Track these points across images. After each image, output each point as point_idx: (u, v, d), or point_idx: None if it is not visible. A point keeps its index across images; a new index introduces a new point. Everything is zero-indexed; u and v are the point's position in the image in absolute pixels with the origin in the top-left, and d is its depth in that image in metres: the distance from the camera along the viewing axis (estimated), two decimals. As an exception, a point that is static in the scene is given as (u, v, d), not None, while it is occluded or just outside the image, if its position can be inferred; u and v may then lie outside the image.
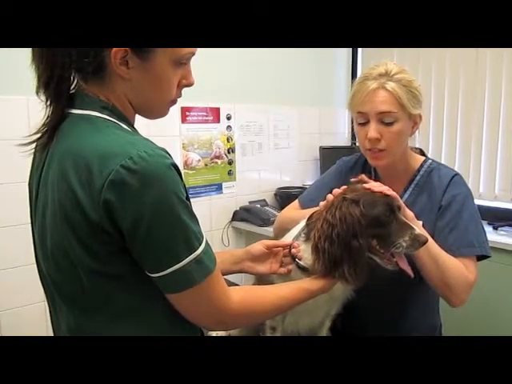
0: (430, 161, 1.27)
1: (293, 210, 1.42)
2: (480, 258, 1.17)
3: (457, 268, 1.11)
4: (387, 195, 1.02)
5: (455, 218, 1.17)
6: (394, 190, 1.05)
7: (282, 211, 1.46)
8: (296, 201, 1.44)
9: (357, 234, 0.98)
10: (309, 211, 1.17)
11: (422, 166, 1.26)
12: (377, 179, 1.23)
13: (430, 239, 1.07)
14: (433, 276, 1.11)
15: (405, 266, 1.03)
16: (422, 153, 1.33)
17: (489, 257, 1.17)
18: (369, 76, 1.16)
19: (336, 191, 1.08)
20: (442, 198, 1.20)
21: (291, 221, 1.25)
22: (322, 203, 1.10)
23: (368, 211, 0.99)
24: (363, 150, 1.22)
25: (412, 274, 1.02)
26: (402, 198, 1.09)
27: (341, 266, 0.98)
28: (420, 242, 0.99)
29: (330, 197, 1.08)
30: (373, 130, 1.14)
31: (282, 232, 1.24)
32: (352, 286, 1.06)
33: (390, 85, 1.13)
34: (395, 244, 0.99)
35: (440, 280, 1.11)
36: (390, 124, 1.14)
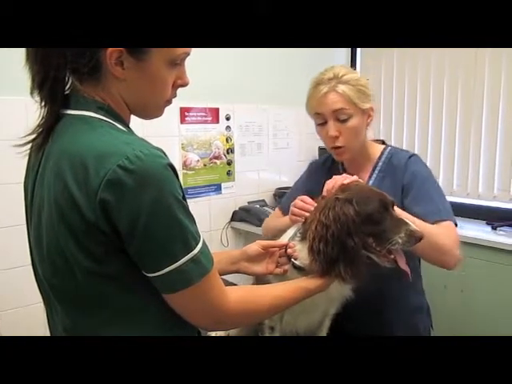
0: (390, 147, 1.37)
1: (275, 218, 1.48)
2: None
3: (436, 229, 1.15)
4: (379, 192, 1.05)
5: (420, 192, 1.23)
6: (360, 179, 1.16)
7: (266, 220, 1.52)
8: (276, 209, 1.52)
9: (351, 232, 0.98)
10: (282, 219, 1.29)
11: (382, 153, 1.35)
12: (345, 172, 1.34)
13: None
14: (421, 244, 1.11)
15: (404, 265, 1.03)
16: (383, 143, 1.41)
17: (456, 225, 1.22)
18: (320, 81, 1.27)
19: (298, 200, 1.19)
20: (403, 177, 1.27)
21: (274, 229, 1.36)
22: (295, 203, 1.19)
23: (361, 209, 1.00)
24: (328, 148, 1.34)
25: (410, 276, 1.03)
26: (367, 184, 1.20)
27: (337, 265, 0.98)
28: (416, 238, 0.99)
29: (297, 202, 1.18)
30: (332, 129, 1.26)
31: None
32: (349, 285, 1.06)
33: (340, 87, 1.24)
34: (391, 241, 0.99)
35: (429, 246, 1.11)
36: (345, 121, 1.25)
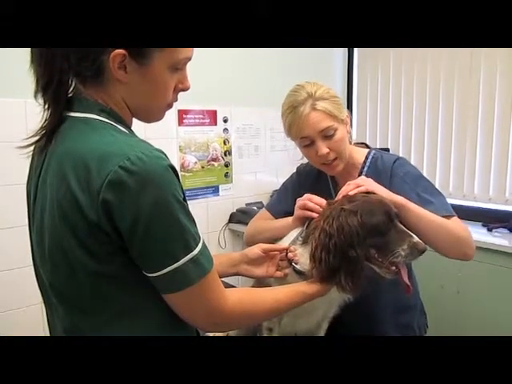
0: (374, 151, 1.37)
1: (261, 220, 1.45)
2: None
3: (453, 223, 1.17)
4: (385, 204, 1.04)
5: (415, 196, 1.21)
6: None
7: (255, 224, 1.47)
8: (263, 212, 1.49)
9: (354, 244, 0.98)
10: (279, 221, 1.32)
11: (367, 157, 1.35)
12: (333, 180, 1.38)
13: (414, 205, 1.13)
14: (443, 236, 1.14)
15: (406, 279, 1.02)
16: (367, 147, 1.41)
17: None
18: (296, 103, 1.25)
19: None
20: (390, 182, 1.26)
21: (272, 230, 1.34)
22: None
23: (366, 220, 1.00)
24: (317, 165, 1.33)
25: (410, 291, 1.03)
26: None
27: (338, 274, 0.99)
28: (419, 250, 0.99)
29: (306, 204, 1.16)
30: (322, 148, 1.24)
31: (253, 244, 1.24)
32: (348, 294, 1.06)
33: (319, 104, 1.23)
34: (394, 253, 0.99)
35: (452, 240, 1.14)
36: (332, 136, 1.24)
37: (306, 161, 1.41)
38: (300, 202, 1.19)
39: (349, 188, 1.12)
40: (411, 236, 1.00)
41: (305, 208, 1.17)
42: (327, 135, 1.24)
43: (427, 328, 1.44)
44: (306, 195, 1.20)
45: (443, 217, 1.17)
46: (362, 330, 1.28)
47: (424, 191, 1.23)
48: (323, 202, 1.15)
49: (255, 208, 2.69)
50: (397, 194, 1.16)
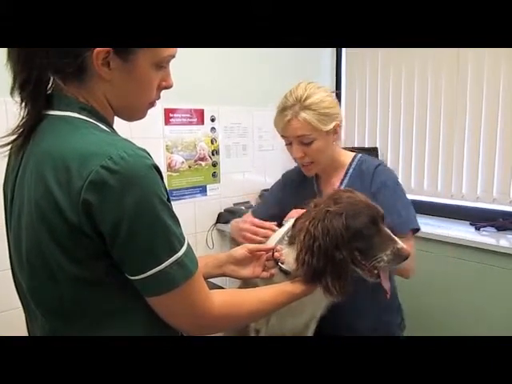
0: (360, 155, 1.43)
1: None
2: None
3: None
4: (371, 206, 1.04)
5: (388, 203, 1.22)
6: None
7: (237, 224, 1.49)
8: (250, 213, 1.55)
9: (339, 246, 0.98)
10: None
11: (353, 160, 1.42)
12: (318, 182, 1.46)
13: None
14: None
15: (386, 283, 1.02)
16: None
17: (419, 230, 1.30)
18: (284, 106, 1.32)
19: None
20: (371, 185, 1.32)
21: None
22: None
23: (351, 223, 1.00)
24: (297, 163, 1.42)
25: (388, 296, 1.03)
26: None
27: (324, 278, 0.98)
28: (402, 257, 0.98)
29: (249, 228, 1.26)
30: (296, 151, 1.33)
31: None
32: (334, 298, 1.05)
33: (301, 115, 1.28)
34: (376, 257, 0.99)
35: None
36: (309, 144, 1.31)
37: None
38: (242, 225, 1.27)
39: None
40: (396, 242, 0.99)
41: (244, 238, 1.24)
42: (304, 142, 1.31)
43: (404, 325, 1.47)
44: (248, 220, 1.30)
45: (401, 233, 1.16)
46: (343, 328, 1.29)
47: (399, 200, 1.29)
48: (262, 231, 1.22)
49: (243, 208, 2.68)
50: (375, 198, 1.18)
